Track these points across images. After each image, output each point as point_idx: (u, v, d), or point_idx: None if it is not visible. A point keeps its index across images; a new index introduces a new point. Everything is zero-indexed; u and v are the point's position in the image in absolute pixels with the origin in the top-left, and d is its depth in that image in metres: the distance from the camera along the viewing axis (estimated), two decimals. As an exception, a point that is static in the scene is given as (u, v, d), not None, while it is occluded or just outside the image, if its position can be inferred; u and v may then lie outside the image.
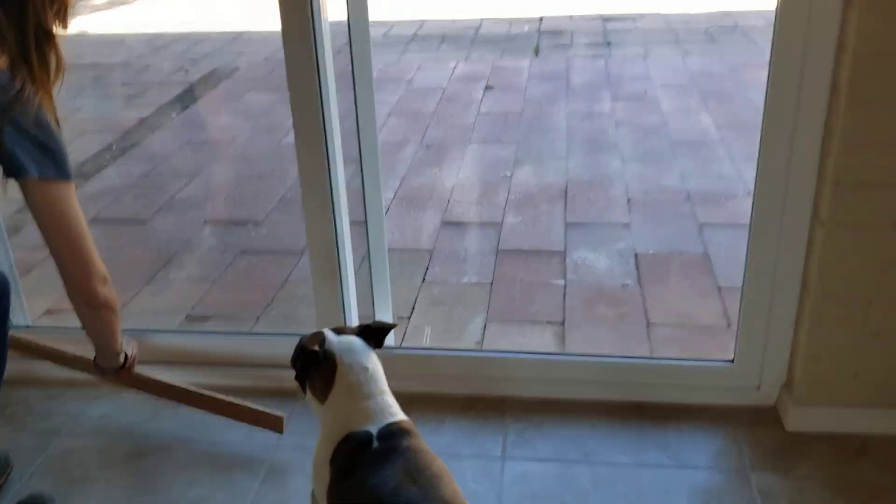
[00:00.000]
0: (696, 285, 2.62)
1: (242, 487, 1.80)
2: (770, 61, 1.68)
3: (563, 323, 2.44)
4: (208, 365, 2.13)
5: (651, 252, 2.83)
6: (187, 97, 5.08)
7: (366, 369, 1.36)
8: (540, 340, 2.37)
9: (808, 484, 1.75)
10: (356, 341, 1.40)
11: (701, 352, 2.29)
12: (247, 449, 1.92)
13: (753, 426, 1.93)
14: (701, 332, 2.38)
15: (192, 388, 1.98)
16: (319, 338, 1.39)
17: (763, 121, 1.73)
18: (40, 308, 2.44)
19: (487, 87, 4.97)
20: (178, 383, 1.99)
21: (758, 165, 1.77)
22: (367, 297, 2.12)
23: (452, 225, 3.14)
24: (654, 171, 3.57)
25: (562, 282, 2.67)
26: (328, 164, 1.87)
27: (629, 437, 1.91)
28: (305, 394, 1.43)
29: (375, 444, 1.28)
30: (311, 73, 1.78)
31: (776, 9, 1.63)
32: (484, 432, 1.95)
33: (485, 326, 2.44)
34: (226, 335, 2.20)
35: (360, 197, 2.02)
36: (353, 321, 2.07)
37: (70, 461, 1.90)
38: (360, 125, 1.92)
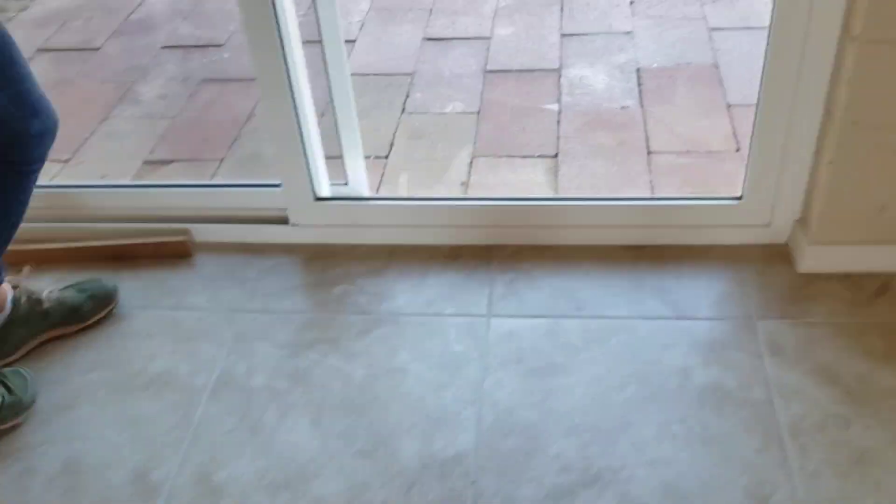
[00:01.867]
0: (703, 102, 2.36)
1: (208, 358, 1.68)
2: None
3: (556, 155, 2.21)
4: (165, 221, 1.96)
5: (655, 66, 2.54)
6: None
7: None
8: (532, 177, 2.16)
9: (821, 331, 1.61)
10: None
11: (706, 180, 2.08)
12: (210, 316, 1.78)
13: (762, 267, 1.76)
14: (707, 157, 2.16)
15: (77, 244, 1.91)
16: None
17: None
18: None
19: None
20: (56, 245, 1.90)
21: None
22: (334, 132, 1.88)
23: (435, 41, 2.83)
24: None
25: (556, 106, 2.41)
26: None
27: (625, 285, 1.76)
28: None
29: None
30: None
31: None
32: (469, 286, 1.80)
33: (471, 162, 2.22)
34: (183, 188, 1.99)
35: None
36: (318, 163, 1.85)
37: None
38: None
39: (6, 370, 1.63)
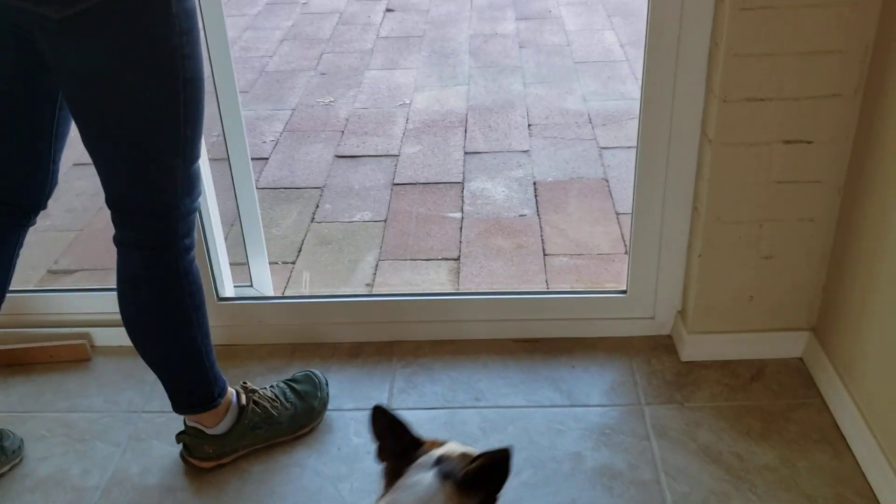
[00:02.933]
0: (594, 211, 2.52)
1: (102, 458, 1.64)
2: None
3: (458, 258, 2.31)
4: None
5: (550, 179, 2.72)
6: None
7: None
8: (434, 277, 2.25)
9: (702, 415, 1.69)
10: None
11: (597, 279, 2.21)
12: (106, 417, 1.75)
13: (649, 357, 1.86)
14: (598, 260, 2.30)
15: None
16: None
17: (646, 35, 1.61)
18: None
19: (388, 10, 4.72)
20: None
21: (643, 82, 1.65)
22: (239, 239, 1.95)
23: (346, 159, 2.96)
24: (556, 93, 3.44)
25: (458, 215, 2.54)
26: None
27: (521, 376, 1.82)
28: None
29: None
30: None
31: None
32: (370, 380, 1.83)
33: (376, 265, 2.30)
34: (83, 292, 1.99)
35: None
36: (223, 267, 1.90)
37: None
38: (209, 43, 1.69)
39: (298, 374, 1.75)
